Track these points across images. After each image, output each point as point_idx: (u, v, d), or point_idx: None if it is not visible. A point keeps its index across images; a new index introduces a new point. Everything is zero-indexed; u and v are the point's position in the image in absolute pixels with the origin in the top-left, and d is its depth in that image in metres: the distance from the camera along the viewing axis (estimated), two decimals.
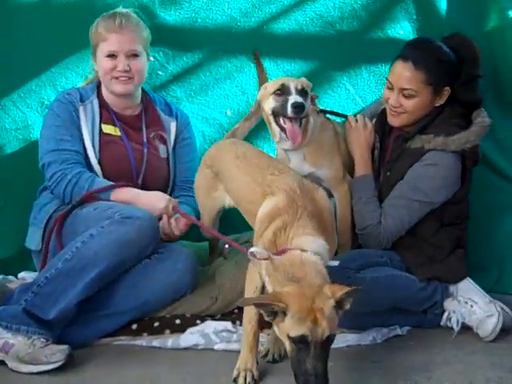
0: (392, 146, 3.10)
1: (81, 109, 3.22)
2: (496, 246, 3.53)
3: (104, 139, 3.24)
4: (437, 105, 2.99)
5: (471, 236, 3.23)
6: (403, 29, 3.60)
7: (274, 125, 3.00)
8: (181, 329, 2.91)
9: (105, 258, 2.77)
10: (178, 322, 2.93)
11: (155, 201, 3.06)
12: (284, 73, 3.63)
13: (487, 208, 3.51)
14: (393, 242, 3.01)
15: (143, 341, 2.87)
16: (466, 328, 2.96)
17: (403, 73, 2.92)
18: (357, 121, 3.14)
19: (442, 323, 3.01)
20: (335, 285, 2.29)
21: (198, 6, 3.58)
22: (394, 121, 3.04)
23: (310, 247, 2.37)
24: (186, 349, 2.83)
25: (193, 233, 3.28)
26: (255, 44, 3.62)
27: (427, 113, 3.00)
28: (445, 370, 2.64)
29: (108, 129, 3.27)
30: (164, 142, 3.38)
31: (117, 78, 3.20)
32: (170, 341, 2.85)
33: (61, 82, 3.51)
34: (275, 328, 2.32)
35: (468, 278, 3.02)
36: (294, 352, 2.24)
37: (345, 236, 3.11)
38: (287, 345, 2.27)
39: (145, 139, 3.32)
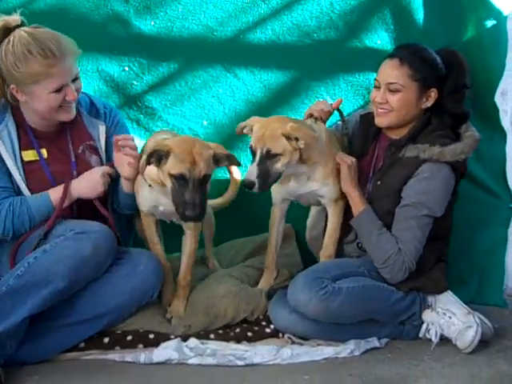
0: (384, 154, 3.06)
1: (4, 135, 2.90)
2: (476, 258, 3.54)
3: (27, 169, 2.95)
4: (423, 107, 2.98)
5: (452, 248, 3.20)
6: (381, 39, 3.58)
7: None
8: (154, 343, 2.84)
9: (57, 276, 2.65)
10: (151, 336, 2.86)
11: (92, 185, 2.93)
12: (261, 83, 3.59)
13: (468, 220, 3.50)
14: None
15: (115, 355, 2.80)
16: (444, 339, 2.92)
17: (389, 68, 2.95)
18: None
19: (420, 335, 2.97)
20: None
21: (173, 16, 3.54)
22: (381, 121, 3.01)
23: None
24: (159, 363, 2.75)
25: None
26: (232, 53, 3.58)
27: (414, 115, 2.98)
28: (423, 382, 2.63)
29: (28, 156, 2.96)
30: (96, 151, 3.08)
31: (63, 107, 2.90)
32: (142, 356, 2.77)
33: None
34: (160, 173, 2.75)
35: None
36: (175, 188, 2.71)
37: (331, 248, 3.10)
38: (168, 183, 2.73)
39: (73, 158, 3.03)
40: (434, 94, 2.96)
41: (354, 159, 3.02)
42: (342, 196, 3.05)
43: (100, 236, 2.75)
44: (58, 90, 2.84)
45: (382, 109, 2.98)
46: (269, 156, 2.83)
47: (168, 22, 3.54)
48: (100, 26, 3.50)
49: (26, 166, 2.96)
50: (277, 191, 3.11)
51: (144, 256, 2.92)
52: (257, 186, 2.80)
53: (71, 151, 3.04)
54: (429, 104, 2.97)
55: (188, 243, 3.06)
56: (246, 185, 2.81)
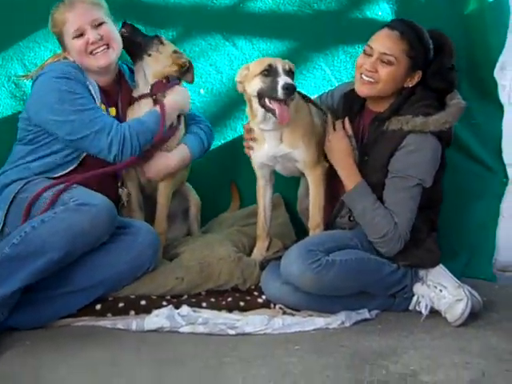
0: (368, 128, 3.04)
1: (90, 87, 3.03)
2: (467, 231, 3.56)
3: None
4: (405, 86, 2.95)
5: (442, 220, 3.20)
6: (382, 10, 3.55)
7: (256, 106, 2.95)
8: (146, 310, 2.85)
9: (53, 247, 2.65)
10: (143, 302, 2.87)
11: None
12: (259, 52, 3.58)
13: (459, 192, 3.52)
14: None
15: (107, 322, 2.82)
16: (434, 312, 2.94)
17: (388, 39, 2.90)
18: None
19: (410, 307, 2.99)
20: None
21: None
22: (363, 90, 2.97)
23: None
24: (150, 331, 2.77)
25: None
26: (231, 22, 3.56)
27: (396, 91, 2.96)
28: (412, 354, 2.63)
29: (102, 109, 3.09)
30: None
31: (93, 52, 3.00)
32: (134, 323, 2.79)
33: (29, 56, 3.42)
34: None
35: None
36: None
37: (317, 218, 3.10)
38: None
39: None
40: (417, 76, 2.94)
41: (350, 131, 3.02)
42: (320, 162, 3.06)
43: (100, 210, 2.73)
44: (80, 36, 3.00)
45: (367, 77, 2.92)
46: (290, 73, 2.89)
47: None
48: None
49: None
50: (254, 155, 3.12)
51: (143, 228, 2.95)
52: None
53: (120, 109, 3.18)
54: (410, 84, 2.95)
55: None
56: (288, 87, 2.80)
